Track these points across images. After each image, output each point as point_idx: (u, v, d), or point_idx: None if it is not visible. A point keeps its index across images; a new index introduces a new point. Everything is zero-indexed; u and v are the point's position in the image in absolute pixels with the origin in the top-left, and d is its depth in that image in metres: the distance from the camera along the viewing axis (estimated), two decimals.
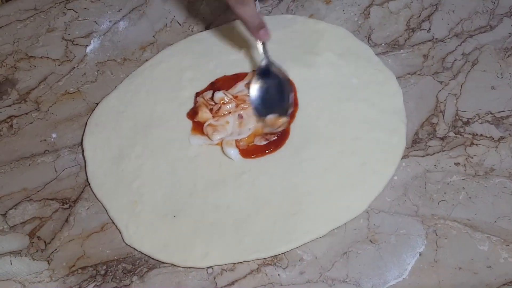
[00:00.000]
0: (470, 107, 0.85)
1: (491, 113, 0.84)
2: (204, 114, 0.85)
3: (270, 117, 0.82)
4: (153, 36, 0.98)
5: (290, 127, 0.84)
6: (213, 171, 0.82)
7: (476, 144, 0.81)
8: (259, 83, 0.84)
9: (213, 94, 0.86)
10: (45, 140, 0.89)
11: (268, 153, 0.82)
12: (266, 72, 0.84)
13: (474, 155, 0.80)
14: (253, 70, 0.89)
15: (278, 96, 0.84)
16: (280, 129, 0.82)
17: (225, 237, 0.76)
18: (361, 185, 0.79)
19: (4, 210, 0.83)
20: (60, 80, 0.95)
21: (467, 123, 0.83)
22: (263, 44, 0.83)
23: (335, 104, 0.86)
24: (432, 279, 0.71)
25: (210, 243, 0.76)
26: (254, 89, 0.84)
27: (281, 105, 0.83)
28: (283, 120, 0.82)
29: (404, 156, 0.81)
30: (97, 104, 0.91)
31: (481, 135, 0.82)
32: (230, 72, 0.91)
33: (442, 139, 0.82)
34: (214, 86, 0.88)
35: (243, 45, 0.94)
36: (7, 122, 0.91)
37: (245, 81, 0.87)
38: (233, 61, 0.93)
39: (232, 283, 0.74)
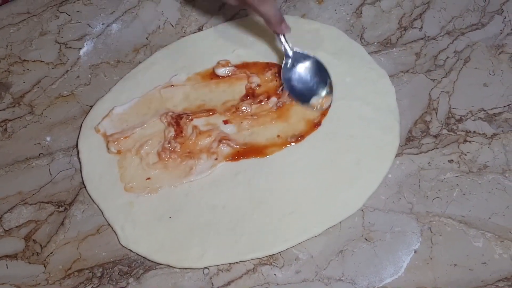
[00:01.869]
0: (462, 105, 0.85)
1: (483, 110, 0.84)
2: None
3: (314, 100, 0.85)
4: (146, 38, 0.98)
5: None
6: None
7: (469, 141, 0.82)
8: (292, 72, 0.87)
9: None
10: (39, 143, 0.89)
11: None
12: (295, 60, 0.87)
13: (468, 152, 0.81)
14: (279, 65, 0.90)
15: (315, 78, 0.87)
16: (325, 108, 0.85)
17: (221, 237, 0.76)
18: (355, 183, 0.79)
19: None
20: (53, 83, 0.95)
21: (460, 120, 0.84)
22: (284, 35, 0.86)
23: None
24: (427, 276, 0.72)
25: (206, 244, 0.76)
26: (290, 80, 0.87)
27: (321, 85, 0.86)
28: (328, 99, 0.85)
29: (398, 154, 0.81)
30: (91, 106, 0.91)
31: (474, 132, 0.83)
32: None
33: (436, 136, 0.83)
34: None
35: (235, 46, 0.94)
36: (1, 126, 0.91)
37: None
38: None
39: (229, 283, 0.74)
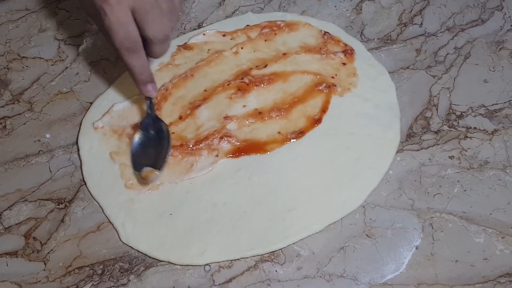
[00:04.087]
0: (463, 101, 0.85)
1: (484, 106, 0.85)
2: None
3: (146, 170, 0.80)
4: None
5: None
6: None
7: (470, 137, 0.82)
8: (140, 137, 0.83)
9: None
10: (39, 140, 0.88)
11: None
12: (148, 127, 0.83)
13: (468, 148, 0.81)
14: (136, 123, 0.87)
15: (156, 151, 0.82)
16: (149, 184, 0.81)
17: (222, 234, 0.76)
18: (356, 180, 0.79)
19: None
20: (53, 80, 0.95)
21: (460, 116, 0.84)
22: (150, 99, 0.82)
23: None
24: (429, 272, 0.72)
25: (207, 241, 0.76)
26: (134, 143, 0.82)
27: (158, 160, 0.81)
28: (156, 174, 0.80)
29: (399, 151, 0.81)
30: (91, 103, 0.90)
31: (475, 128, 0.83)
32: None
33: (436, 132, 0.83)
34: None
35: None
36: (1, 123, 0.90)
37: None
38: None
39: (230, 280, 0.74)
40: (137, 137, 0.83)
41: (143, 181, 0.81)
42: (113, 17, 0.69)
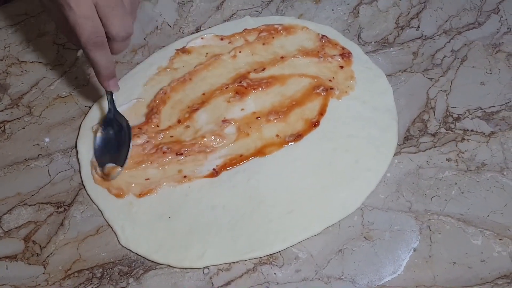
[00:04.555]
0: (460, 103, 0.86)
1: (481, 109, 0.85)
2: None
3: (108, 166, 0.82)
4: (144, 39, 0.98)
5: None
6: None
7: (467, 140, 0.82)
8: (102, 133, 0.85)
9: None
10: (38, 144, 0.88)
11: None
12: (110, 123, 0.85)
13: (466, 151, 0.81)
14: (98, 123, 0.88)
15: (118, 147, 0.83)
16: (112, 179, 0.81)
17: (221, 237, 0.76)
18: (354, 182, 0.79)
19: None
20: (52, 84, 0.95)
21: (457, 119, 0.84)
22: (111, 94, 0.84)
23: None
24: (427, 274, 0.72)
25: (206, 243, 0.76)
26: (97, 139, 0.85)
27: (120, 155, 0.82)
28: (118, 170, 0.81)
29: (397, 153, 0.82)
30: (90, 107, 0.91)
31: (472, 130, 0.83)
32: None
33: (434, 135, 0.83)
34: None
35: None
36: (0, 128, 0.91)
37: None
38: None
39: (229, 283, 0.74)
40: (99, 133, 0.85)
41: (106, 177, 0.82)
42: (79, 11, 0.68)
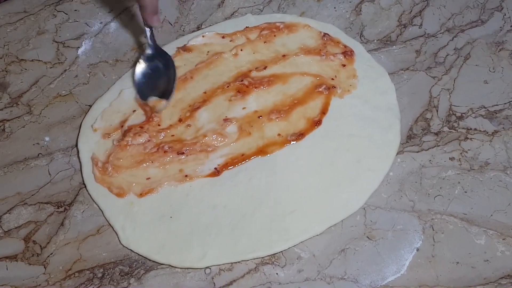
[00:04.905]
0: (463, 102, 0.85)
1: (484, 107, 0.84)
2: None
3: (151, 99, 0.84)
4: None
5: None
6: None
7: (470, 139, 0.82)
8: (143, 67, 0.87)
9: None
10: (38, 143, 0.88)
11: None
12: (151, 58, 0.87)
13: (469, 150, 0.81)
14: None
15: (162, 81, 0.86)
16: (159, 112, 0.84)
17: (223, 237, 0.76)
18: (357, 182, 0.79)
19: None
20: (51, 82, 0.94)
21: (460, 117, 0.84)
22: (151, 30, 0.86)
23: None
24: (430, 274, 0.71)
25: (207, 244, 0.75)
26: (138, 73, 0.86)
27: (164, 89, 0.85)
28: (163, 103, 0.84)
29: (399, 152, 0.81)
30: (90, 106, 0.90)
31: (475, 129, 0.82)
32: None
33: (437, 134, 0.82)
34: None
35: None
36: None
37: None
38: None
39: (231, 283, 0.74)
40: (140, 67, 0.87)
41: (151, 109, 0.84)
42: None
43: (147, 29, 0.85)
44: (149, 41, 0.86)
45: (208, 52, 0.93)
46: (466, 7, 0.95)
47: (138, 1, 0.80)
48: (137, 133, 0.83)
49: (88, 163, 0.84)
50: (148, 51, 0.87)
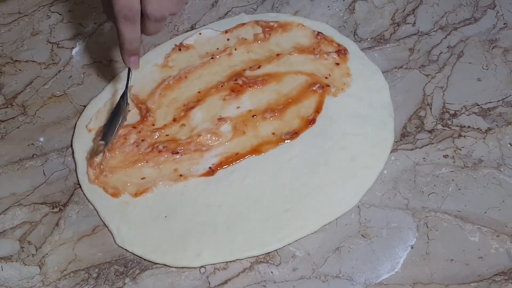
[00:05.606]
0: (457, 99, 0.86)
1: (477, 105, 0.85)
2: None
3: (99, 143, 0.82)
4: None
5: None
6: None
7: (464, 136, 0.82)
8: (114, 108, 0.86)
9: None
10: (32, 144, 0.88)
11: None
12: (122, 97, 0.85)
13: (462, 147, 0.81)
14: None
15: (112, 126, 0.83)
16: (95, 155, 0.82)
17: (217, 236, 0.76)
18: (351, 180, 0.79)
19: None
20: (46, 83, 0.94)
21: (454, 115, 0.84)
22: (129, 71, 0.84)
23: None
24: (424, 272, 0.72)
25: (202, 243, 0.76)
26: (110, 114, 0.86)
27: (109, 134, 0.82)
28: (100, 148, 0.81)
29: (393, 150, 0.82)
30: (85, 106, 0.90)
31: (469, 126, 0.83)
32: None
33: (430, 131, 0.83)
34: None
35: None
36: None
37: None
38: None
39: (226, 282, 0.74)
40: (113, 108, 0.86)
41: (93, 154, 0.83)
42: None
43: (127, 68, 0.84)
44: (128, 82, 0.84)
45: (202, 51, 0.93)
46: (459, 5, 0.96)
47: (118, 35, 0.76)
48: (127, 133, 0.83)
49: (83, 163, 0.84)
50: (127, 92, 0.85)
